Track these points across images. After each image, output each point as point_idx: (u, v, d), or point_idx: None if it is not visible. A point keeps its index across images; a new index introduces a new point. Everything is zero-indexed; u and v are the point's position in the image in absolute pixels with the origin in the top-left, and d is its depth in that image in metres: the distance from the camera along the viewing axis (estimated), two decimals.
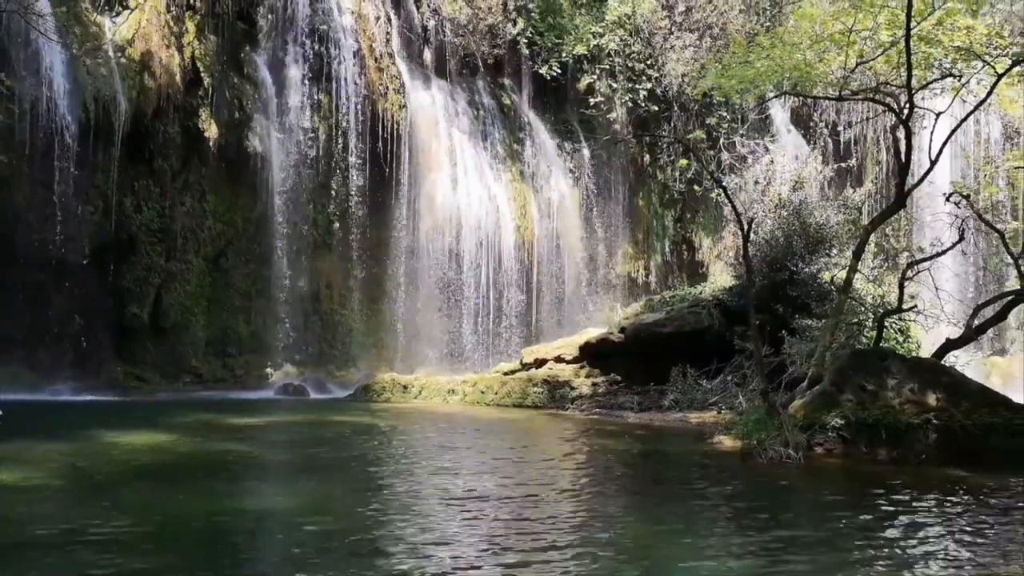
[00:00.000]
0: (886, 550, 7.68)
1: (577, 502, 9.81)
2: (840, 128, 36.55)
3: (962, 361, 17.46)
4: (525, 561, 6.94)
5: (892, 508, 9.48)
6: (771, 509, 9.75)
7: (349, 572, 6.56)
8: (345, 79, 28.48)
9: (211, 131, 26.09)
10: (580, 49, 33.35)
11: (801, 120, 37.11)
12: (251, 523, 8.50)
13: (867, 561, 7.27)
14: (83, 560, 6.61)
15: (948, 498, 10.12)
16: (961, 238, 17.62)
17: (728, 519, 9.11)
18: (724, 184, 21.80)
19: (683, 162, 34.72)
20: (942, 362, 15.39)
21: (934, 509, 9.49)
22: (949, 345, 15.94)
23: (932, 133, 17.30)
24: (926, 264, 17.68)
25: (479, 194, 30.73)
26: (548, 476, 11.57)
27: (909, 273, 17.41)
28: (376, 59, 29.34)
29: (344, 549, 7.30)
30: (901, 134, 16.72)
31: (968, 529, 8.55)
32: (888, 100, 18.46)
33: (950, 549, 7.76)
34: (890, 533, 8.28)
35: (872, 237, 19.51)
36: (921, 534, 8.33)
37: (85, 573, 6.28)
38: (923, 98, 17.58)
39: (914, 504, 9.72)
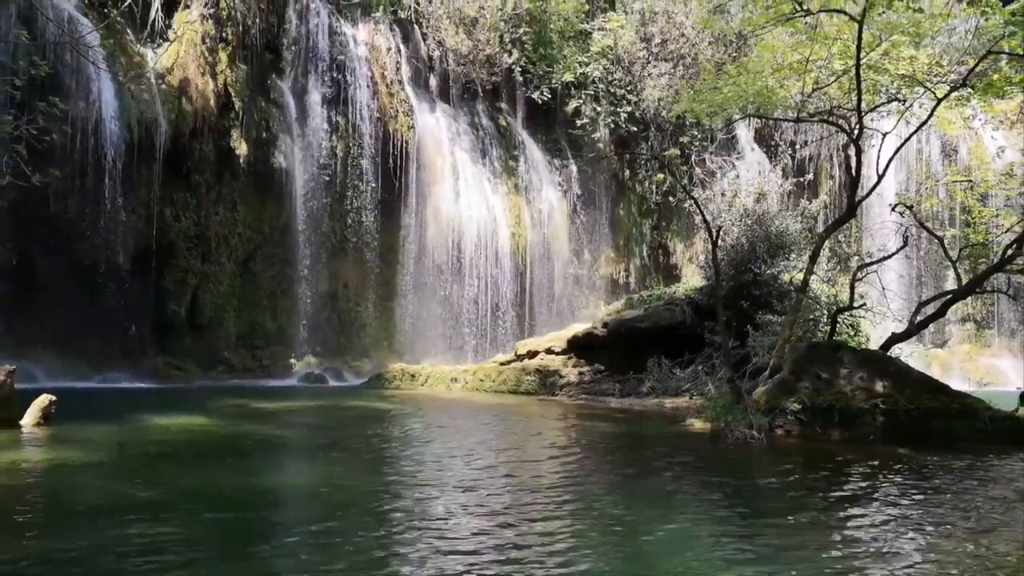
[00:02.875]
0: (835, 515, 7.70)
1: (566, 477, 9.80)
2: (798, 146, 36.61)
3: (906, 353, 17.46)
4: (520, 530, 6.95)
5: (842, 480, 9.51)
6: (736, 482, 9.77)
7: (364, 540, 6.56)
8: (360, 103, 28.51)
9: (241, 149, 26.13)
10: (568, 76, 33.40)
11: (763, 139, 37.16)
12: (277, 496, 8.50)
13: (819, 525, 7.30)
14: (127, 529, 6.61)
15: (891, 472, 10.14)
16: (905, 244, 17.65)
17: (699, 491, 9.13)
18: (695, 196, 21.84)
19: (659, 176, 34.80)
20: (888, 354, 15.41)
21: (878, 481, 9.52)
22: (894, 338, 15.95)
23: (879, 151, 17.32)
24: (874, 267, 17.70)
25: (478, 205, 30.76)
26: (540, 453, 11.57)
27: (859, 275, 17.43)
28: (387, 86, 29.35)
29: (359, 519, 7.30)
30: (852, 152, 16.80)
31: (907, 497, 8.58)
32: (840, 122, 18.49)
33: (890, 512, 7.79)
34: (840, 501, 8.31)
35: (826, 243, 19.54)
36: (865, 500, 8.35)
37: (129, 539, 6.28)
38: (871, 120, 17.59)
39: (861, 477, 9.75)
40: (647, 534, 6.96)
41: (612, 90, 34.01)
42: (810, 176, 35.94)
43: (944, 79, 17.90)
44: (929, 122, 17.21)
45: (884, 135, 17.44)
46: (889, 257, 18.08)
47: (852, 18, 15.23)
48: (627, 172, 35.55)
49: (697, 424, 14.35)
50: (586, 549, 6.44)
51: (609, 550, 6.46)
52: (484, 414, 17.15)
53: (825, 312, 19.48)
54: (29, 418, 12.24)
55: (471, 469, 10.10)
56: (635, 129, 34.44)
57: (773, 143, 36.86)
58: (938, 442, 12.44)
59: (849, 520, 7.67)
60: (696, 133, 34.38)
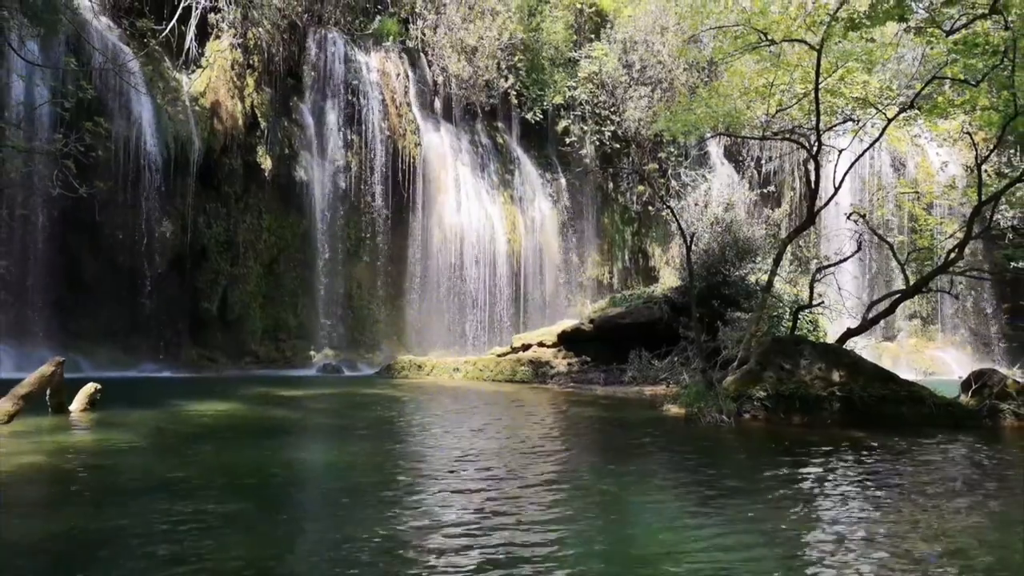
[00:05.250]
0: (796, 489, 7.72)
1: (556, 454, 9.81)
2: (763, 161, 36.66)
3: (860, 345, 17.47)
4: (515, 500, 6.95)
5: (803, 459, 9.52)
6: (708, 460, 9.78)
7: (376, 510, 6.56)
8: (372, 123, 28.52)
9: (266, 164, 26.14)
10: (558, 99, 33.45)
11: (732, 155, 37.19)
12: (298, 472, 8.50)
13: (781, 497, 7.31)
14: (167, 503, 6.61)
15: (846, 452, 10.16)
16: (859, 248, 17.69)
17: (674, 468, 9.13)
18: (672, 206, 21.86)
19: (639, 188, 34.84)
20: (844, 346, 15.44)
21: (836, 458, 9.54)
22: (849, 333, 15.99)
23: (836, 165, 17.33)
24: (831, 269, 17.73)
25: (478, 214, 30.77)
26: (534, 433, 11.56)
27: (818, 276, 17.45)
28: (396, 107, 29.36)
29: (373, 492, 7.30)
30: (811, 166, 16.79)
31: (859, 472, 8.59)
32: (801, 139, 18.54)
33: (844, 486, 7.80)
34: (802, 477, 8.32)
35: (788, 248, 19.60)
36: (824, 476, 8.37)
37: (169, 513, 6.28)
38: (829, 138, 17.64)
39: (820, 456, 9.76)
40: (628, 506, 6.97)
41: (597, 111, 34.03)
42: (774, 188, 35.97)
43: (894, 101, 17.95)
44: (880, 140, 17.26)
45: (840, 151, 17.49)
46: (845, 260, 18.12)
47: (811, 47, 15.26)
48: (611, 185, 35.58)
49: (673, 409, 14.35)
50: (573, 518, 6.45)
51: (594, 519, 6.48)
52: (484, 400, 17.15)
53: (787, 309, 19.54)
54: (77, 404, 12.25)
55: (473, 448, 10.10)
56: (618, 146, 34.47)
57: (741, 158, 36.90)
58: (888, 425, 12.48)
59: (808, 493, 7.69)
60: (672, 150, 34.42)
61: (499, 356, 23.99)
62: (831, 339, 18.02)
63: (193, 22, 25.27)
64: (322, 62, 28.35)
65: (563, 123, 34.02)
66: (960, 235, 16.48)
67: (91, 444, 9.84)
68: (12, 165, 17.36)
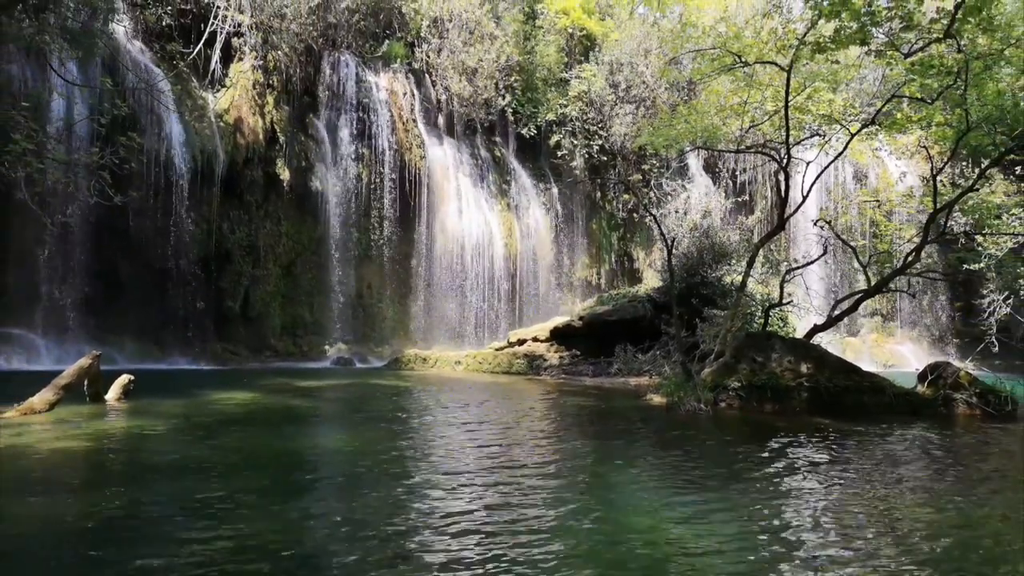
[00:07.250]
0: (768, 468, 7.74)
1: (549, 440, 9.83)
2: (738, 172, 36.70)
3: (825, 340, 17.57)
4: (513, 484, 6.97)
5: (775, 442, 9.55)
6: (687, 444, 9.80)
7: (385, 491, 6.58)
8: (381, 137, 28.53)
9: (285, 175, 26.14)
10: (550, 116, 33.49)
11: (710, 167, 37.22)
12: (314, 455, 8.51)
13: (754, 476, 7.34)
14: (195, 483, 6.63)
15: (813, 436, 10.20)
16: (825, 252, 17.75)
17: (657, 452, 9.16)
18: (654, 213, 21.89)
19: (625, 197, 34.87)
20: (811, 341, 15.48)
21: (804, 443, 9.57)
22: (816, 329, 16.02)
23: (804, 176, 17.38)
24: (799, 271, 17.77)
25: (478, 220, 30.78)
26: (529, 421, 11.57)
27: (787, 277, 17.50)
28: (403, 123, 29.37)
29: (381, 473, 7.31)
30: (781, 177, 16.83)
31: (824, 454, 8.63)
32: (772, 152, 18.58)
33: (813, 466, 7.83)
34: (772, 459, 8.35)
35: (760, 251, 19.60)
36: (792, 458, 8.40)
37: (198, 491, 6.30)
38: (797, 151, 17.66)
39: (788, 440, 9.80)
40: (614, 485, 6.99)
41: (586, 127, 34.06)
42: (747, 197, 36.03)
43: (856, 118, 17.99)
44: (844, 153, 17.28)
45: (808, 163, 17.53)
46: (812, 263, 18.18)
47: (782, 68, 15.29)
48: (599, 194, 35.60)
49: (656, 398, 14.38)
50: (565, 499, 6.47)
51: (583, 496, 6.50)
52: (483, 390, 17.15)
53: (760, 307, 19.57)
54: (112, 394, 12.25)
55: (474, 433, 10.11)
56: (605, 159, 34.50)
57: (717, 170, 36.93)
58: (852, 413, 12.54)
59: (778, 472, 7.72)
60: (655, 162, 34.44)
61: (497, 350, 24.00)
62: (799, 335, 18.04)
63: (218, 46, 25.31)
64: (335, 82, 28.37)
65: (555, 138, 34.04)
66: (917, 240, 16.53)
67: (126, 430, 9.84)
68: (53, 176, 17.35)
